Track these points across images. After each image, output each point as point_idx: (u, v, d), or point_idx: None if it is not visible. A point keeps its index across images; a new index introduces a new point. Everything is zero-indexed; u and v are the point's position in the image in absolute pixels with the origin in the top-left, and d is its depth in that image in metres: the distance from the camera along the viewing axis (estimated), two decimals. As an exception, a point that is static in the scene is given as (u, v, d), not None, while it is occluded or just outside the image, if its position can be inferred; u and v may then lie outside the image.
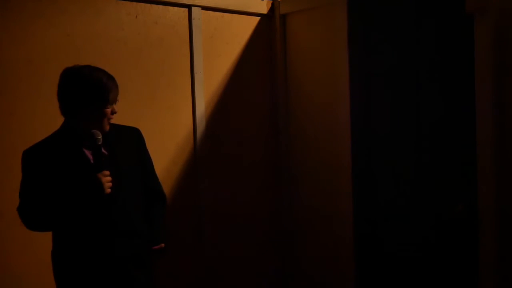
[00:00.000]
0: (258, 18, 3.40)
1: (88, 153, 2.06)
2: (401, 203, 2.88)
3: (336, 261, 3.20)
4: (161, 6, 2.91)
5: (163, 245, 2.27)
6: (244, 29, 3.34)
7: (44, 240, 2.51)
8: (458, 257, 2.66)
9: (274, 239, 3.49)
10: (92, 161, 2.04)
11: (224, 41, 3.23)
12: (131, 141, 2.24)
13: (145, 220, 2.23)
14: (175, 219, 2.98)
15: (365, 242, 3.07)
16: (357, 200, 3.07)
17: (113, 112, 2.09)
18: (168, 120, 2.96)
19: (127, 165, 2.16)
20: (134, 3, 2.81)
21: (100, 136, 2.03)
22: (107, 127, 2.10)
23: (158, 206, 2.34)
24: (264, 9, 3.40)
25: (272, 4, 3.42)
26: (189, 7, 3.02)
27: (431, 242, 2.76)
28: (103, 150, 2.08)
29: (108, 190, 2.01)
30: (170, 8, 2.96)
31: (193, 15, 3.03)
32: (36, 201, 2.01)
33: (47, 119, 2.51)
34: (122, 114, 2.25)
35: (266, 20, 3.44)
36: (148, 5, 2.86)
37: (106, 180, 2.00)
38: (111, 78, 2.08)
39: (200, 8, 3.06)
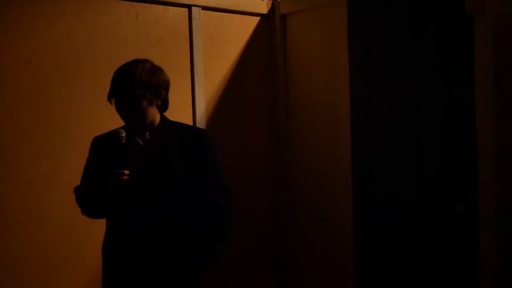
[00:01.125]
0: (258, 18, 3.40)
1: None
2: (401, 203, 2.88)
3: (336, 263, 3.20)
4: (161, 6, 2.91)
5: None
6: (244, 29, 3.34)
7: (44, 240, 2.51)
8: (458, 257, 2.66)
9: (273, 239, 3.49)
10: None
11: (224, 41, 3.23)
12: (187, 143, 2.11)
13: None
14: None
15: (365, 243, 3.07)
16: (357, 201, 3.07)
17: (118, 111, 2.07)
18: (168, 120, 2.96)
19: (167, 167, 2.06)
20: (134, 3, 2.81)
21: (124, 134, 2.03)
22: (129, 123, 2.08)
23: (209, 221, 2.08)
24: (264, 9, 3.40)
25: (272, 4, 3.42)
26: (189, 7, 3.02)
27: (432, 242, 2.75)
28: (143, 145, 2.08)
29: (117, 190, 1.98)
30: (170, 8, 2.95)
31: (193, 15, 3.03)
32: (85, 185, 2.12)
33: (47, 119, 2.52)
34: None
35: (266, 20, 3.44)
36: (148, 5, 2.86)
37: (120, 179, 1.96)
38: (118, 71, 2.08)
39: (200, 8, 3.06)
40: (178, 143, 2.11)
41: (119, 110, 2.07)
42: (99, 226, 2.23)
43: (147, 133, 2.11)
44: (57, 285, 2.55)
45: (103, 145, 2.12)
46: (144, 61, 2.11)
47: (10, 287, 2.42)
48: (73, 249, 2.58)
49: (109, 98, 2.07)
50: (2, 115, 2.40)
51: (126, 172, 1.98)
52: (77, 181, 2.19)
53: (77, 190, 2.16)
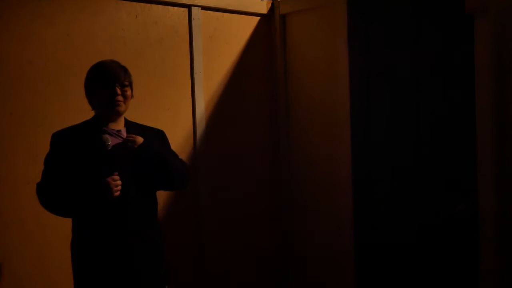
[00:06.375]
0: (258, 18, 3.40)
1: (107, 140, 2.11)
2: (401, 203, 2.88)
3: (336, 262, 3.20)
4: (161, 6, 2.91)
5: None
6: (244, 29, 3.34)
7: (44, 240, 2.52)
8: (458, 257, 2.66)
9: (273, 239, 3.49)
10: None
11: (224, 41, 3.23)
12: (152, 137, 2.25)
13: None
14: (175, 220, 2.98)
15: (364, 243, 3.07)
16: (357, 201, 3.07)
17: (114, 94, 2.10)
18: (168, 120, 2.96)
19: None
20: (134, 3, 2.81)
21: (110, 142, 2.08)
22: (114, 111, 2.12)
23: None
24: (264, 9, 3.40)
25: (272, 4, 3.42)
26: (189, 7, 3.02)
27: (432, 242, 2.75)
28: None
29: (117, 193, 2.04)
30: (170, 8, 2.95)
31: (193, 15, 3.03)
32: (54, 183, 2.07)
33: (47, 119, 2.51)
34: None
35: (266, 20, 3.44)
36: (148, 5, 2.86)
37: (115, 184, 2.03)
38: (105, 62, 2.14)
39: (200, 8, 3.06)
40: (149, 138, 2.21)
41: (113, 96, 2.10)
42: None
43: (121, 130, 2.18)
44: (57, 285, 2.55)
45: (71, 144, 2.10)
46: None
47: (10, 287, 2.42)
48: (73, 249, 2.58)
49: (113, 84, 2.09)
50: (2, 115, 2.40)
51: (117, 177, 2.05)
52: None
53: (46, 187, 2.10)
